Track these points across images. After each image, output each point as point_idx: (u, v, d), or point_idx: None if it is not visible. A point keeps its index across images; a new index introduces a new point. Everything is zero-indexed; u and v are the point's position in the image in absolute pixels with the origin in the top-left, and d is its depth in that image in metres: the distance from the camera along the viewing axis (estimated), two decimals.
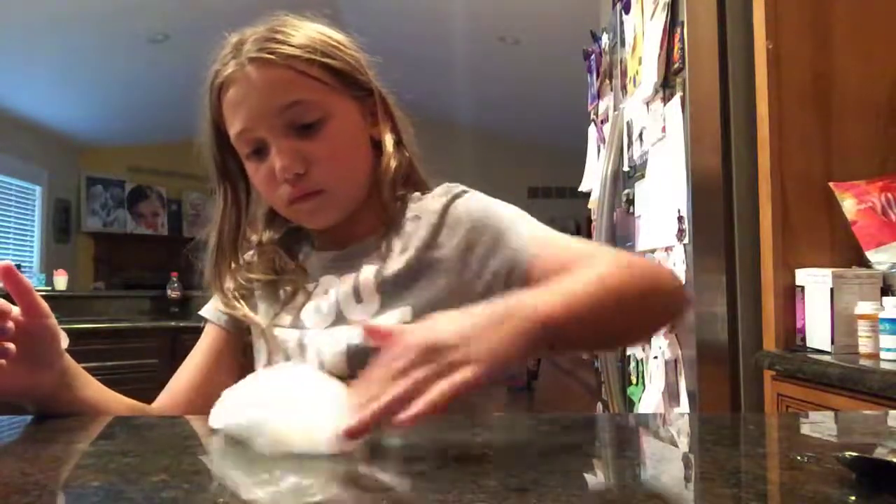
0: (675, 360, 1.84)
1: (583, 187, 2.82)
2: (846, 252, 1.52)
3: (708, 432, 0.71)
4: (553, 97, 5.61)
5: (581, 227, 8.15)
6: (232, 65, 0.88)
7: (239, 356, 1.00)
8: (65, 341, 0.77)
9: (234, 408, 0.61)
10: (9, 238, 6.10)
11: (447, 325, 0.60)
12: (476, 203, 0.91)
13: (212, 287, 0.97)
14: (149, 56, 5.36)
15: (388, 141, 0.94)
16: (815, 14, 1.60)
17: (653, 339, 0.80)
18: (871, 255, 1.46)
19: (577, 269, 0.74)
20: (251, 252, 0.99)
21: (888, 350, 1.27)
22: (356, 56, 0.93)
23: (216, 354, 0.99)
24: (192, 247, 1.01)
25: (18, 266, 4.35)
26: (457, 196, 0.91)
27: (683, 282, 0.79)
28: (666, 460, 0.60)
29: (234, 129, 0.89)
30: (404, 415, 0.53)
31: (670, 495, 0.47)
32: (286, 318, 0.93)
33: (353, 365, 0.84)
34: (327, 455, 0.54)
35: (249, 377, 0.67)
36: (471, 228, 0.88)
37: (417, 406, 0.54)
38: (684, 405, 1.78)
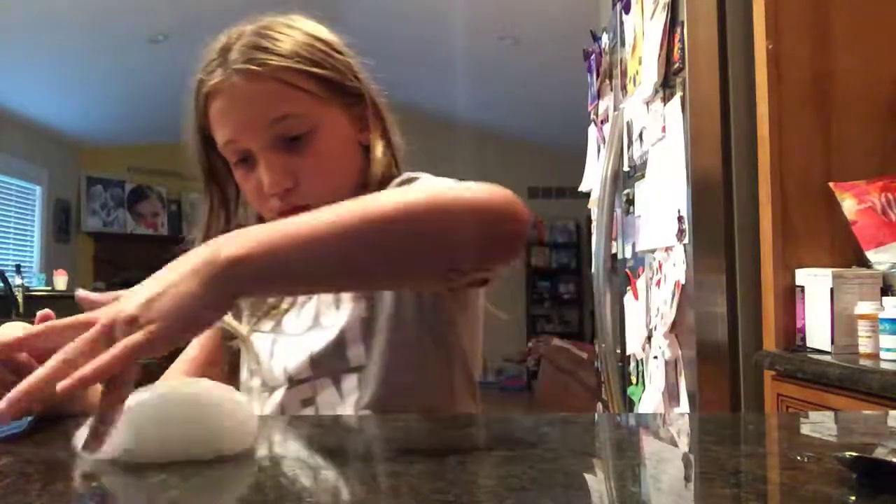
0: (675, 360, 1.84)
1: (583, 187, 2.82)
2: (846, 252, 1.52)
3: (708, 432, 0.71)
4: (553, 97, 5.61)
5: (581, 227, 8.16)
6: (218, 73, 0.86)
7: (230, 355, 1.00)
8: None
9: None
10: (9, 238, 6.09)
11: (136, 292, 0.57)
12: (408, 179, 0.87)
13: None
14: (149, 56, 5.36)
15: (378, 147, 0.92)
16: (815, 14, 1.60)
17: (470, 275, 0.61)
18: (871, 255, 1.46)
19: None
20: None
21: (888, 350, 1.27)
22: (346, 61, 0.91)
23: (209, 351, 0.99)
24: (179, 251, 1.00)
25: (18, 266, 4.36)
26: (408, 179, 0.88)
27: (520, 205, 0.68)
28: (666, 460, 0.60)
29: (220, 138, 0.88)
30: (64, 382, 0.52)
31: (670, 495, 0.47)
32: (268, 324, 0.93)
33: (318, 371, 0.85)
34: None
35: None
36: None
37: (82, 371, 0.52)
38: (684, 405, 1.78)
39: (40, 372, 0.54)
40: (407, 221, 0.62)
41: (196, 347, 0.99)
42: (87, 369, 0.52)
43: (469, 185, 0.67)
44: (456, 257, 0.64)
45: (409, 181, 0.87)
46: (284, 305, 0.93)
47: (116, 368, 0.53)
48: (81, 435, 0.54)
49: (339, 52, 0.91)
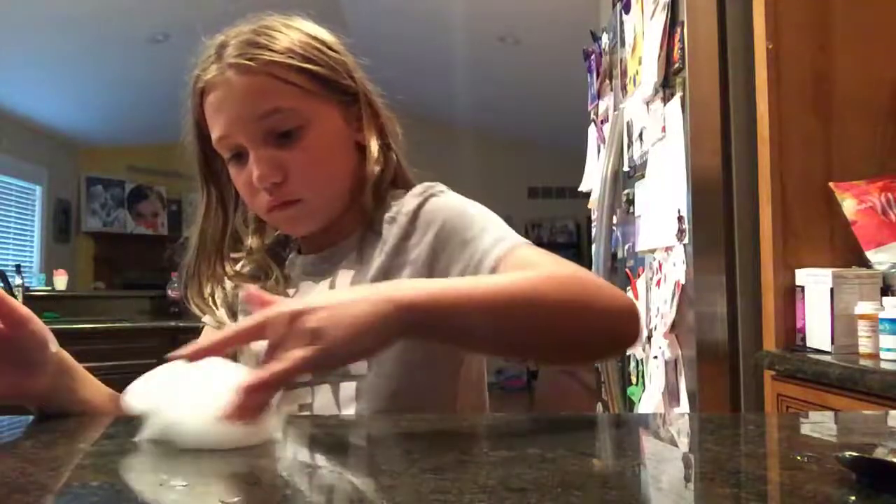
0: (675, 360, 1.84)
1: (583, 187, 2.82)
2: (846, 252, 1.52)
3: (708, 432, 0.71)
4: (553, 97, 5.61)
5: (581, 227, 8.16)
6: (213, 69, 0.87)
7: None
8: (53, 345, 0.76)
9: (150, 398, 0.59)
10: (9, 238, 6.09)
11: (317, 303, 0.61)
12: (447, 203, 0.89)
13: (188, 289, 0.95)
14: (149, 56, 5.36)
15: (374, 146, 0.92)
16: (815, 14, 1.60)
17: (594, 362, 0.76)
18: (871, 255, 1.46)
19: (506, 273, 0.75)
20: (242, 262, 0.97)
21: (888, 350, 1.27)
22: (342, 59, 0.91)
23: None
24: (178, 247, 0.99)
25: (18, 266, 4.36)
26: (430, 196, 0.89)
27: (638, 313, 0.76)
28: (666, 460, 0.60)
29: (214, 133, 0.88)
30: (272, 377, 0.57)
31: (670, 495, 0.47)
32: None
33: (317, 377, 0.85)
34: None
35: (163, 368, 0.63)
36: (440, 229, 0.86)
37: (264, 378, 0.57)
38: (684, 405, 1.78)
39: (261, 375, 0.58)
40: (558, 311, 0.70)
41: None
42: (267, 377, 0.57)
43: (602, 284, 0.76)
44: (587, 350, 0.75)
45: (431, 196, 0.88)
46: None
47: (292, 378, 0.58)
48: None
49: (334, 51, 0.91)
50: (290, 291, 0.93)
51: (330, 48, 0.90)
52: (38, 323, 0.74)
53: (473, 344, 0.72)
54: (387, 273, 0.86)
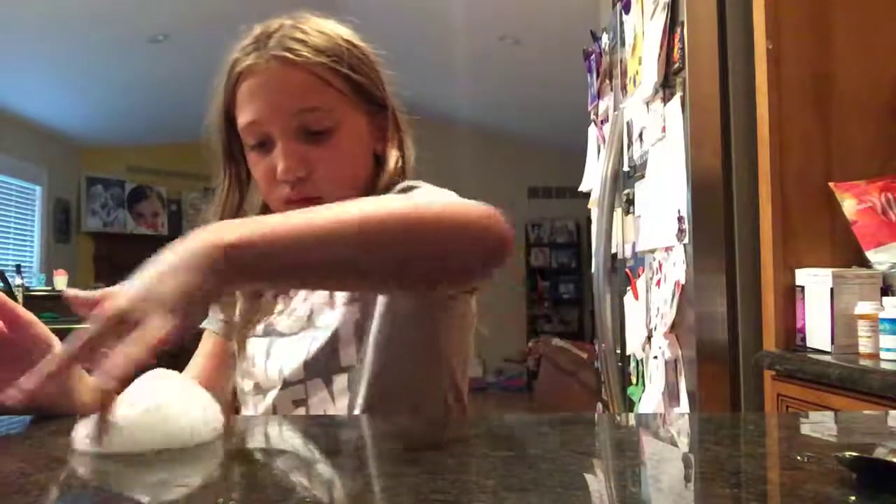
0: (675, 360, 1.84)
1: (583, 187, 2.82)
2: (846, 252, 1.52)
3: (708, 432, 0.71)
4: (553, 97, 5.61)
5: (581, 227, 8.16)
6: (254, 56, 0.87)
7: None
8: (57, 348, 0.76)
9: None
10: (9, 238, 6.09)
11: (134, 284, 0.58)
12: (407, 187, 0.89)
13: None
14: (149, 56, 5.36)
15: (393, 159, 0.94)
16: (815, 14, 1.60)
17: (462, 285, 0.68)
18: (871, 255, 1.46)
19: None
20: None
21: (888, 350, 1.27)
22: (377, 70, 0.93)
23: (215, 360, 0.99)
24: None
25: (18, 266, 4.36)
26: (408, 188, 0.89)
27: (509, 231, 0.72)
28: (666, 460, 0.60)
29: (244, 118, 0.89)
30: (105, 377, 0.53)
31: (670, 495, 0.47)
32: (260, 327, 0.94)
33: (310, 373, 0.86)
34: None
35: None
36: None
37: (113, 366, 0.53)
38: (684, 405, 1.78)
39: (56, 359, 0.55)
40: (405, 229, 0.65)
41: (200, 360, 0.99)
42: (118, 364, 0.53)
43: (460, 201, 0.71)
44: (447, 267, 0.68)
45: (408, 189, 0.88)
46: (278, 307, 0.93)
47: (142, 363, 0.53)
48: (82, 431, 0.54)
49: (372, 61, 0.93)
50: (292, 293, 0.94)
51: (368, 57, 0.93)
52: (41, 326, 0.74)
53: (316, 277, 0.67)
54: None
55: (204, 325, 1.01)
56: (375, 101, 0.93)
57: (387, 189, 0.93)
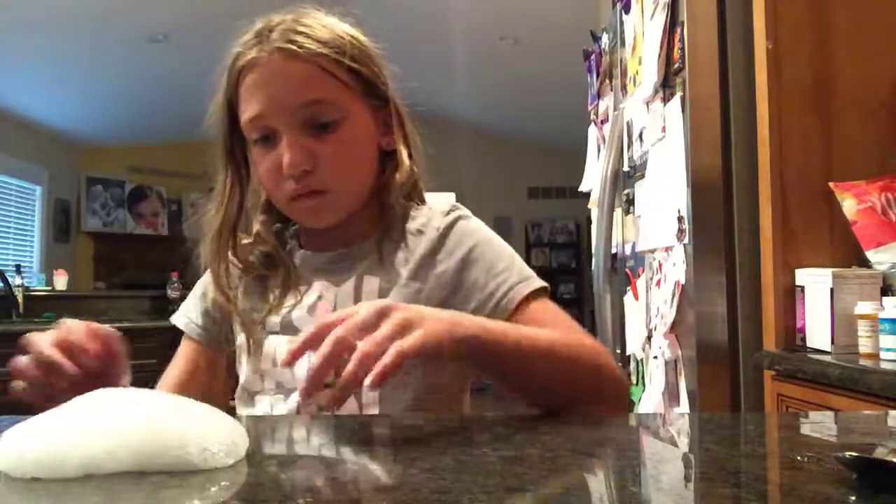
0: (675, 360, 1.84)
1: (583, 187, 2.82)
2: (846, 252, 1.52)
3: (708, 432, 0.71)
4: (553, 97, 5.61)
5: (581, 227, 8.16)
6: (256, 50, 0.87)
7: (221, 373, 0.98)
8: (128, 377, 0.77)
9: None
10: (9, 238, 6.09)
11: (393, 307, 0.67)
12: (476, 229, 0.93)
13: (212, 269, 0.94)
14: (149, 56, 5.36)
15: (404, 153, 0.94)
16: (815, 14, 1.60)
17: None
18: (871, 255, 1.46)
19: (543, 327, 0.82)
20: (247, 241, 0.96)
21: (888, 350, 1.27)
22: (380, 65, 0.93)
23: (192, 369, 0.97)
24: (192, 235, 0.98)
25: (18, 266, 4.36)
26: (459, 218, 0.93)
27: (626, 383, 0.89)
28: (666, 460, 0.60)
29: (247, 113, 0.88)
30: (369, 378, 0.60)
31: (670, 495, 0.47)
32: (274, 321, 0.91)
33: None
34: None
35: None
36: (469, 252, 0.89)
37: (379, 367, 0.60)
38: (684, 405, 1.78)
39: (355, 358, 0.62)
40: (572, 369, 0.78)
41: (175, 371, 0.97)
42: (380, 367, 0.61)
43: (604, 352, 0.85)
44: (578, 402, 0.78)
45: (461, 217, 0.93)
46: (290, 301, 0.91)
47: (399, 365, 0.62)
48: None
49: (374, 56, 0.93)
50: (302, 288, 0.92)
51: (370, 51, 0.92)
52: (123, 354, 0.77)
53: (506, 380, 0.76)
54: (417, 285, 0.88)
55: (181, 326, 0.99)
56: (379, 95, 0.92)
57: (402, 186, 0.93)
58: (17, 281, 4.03)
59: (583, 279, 8.18)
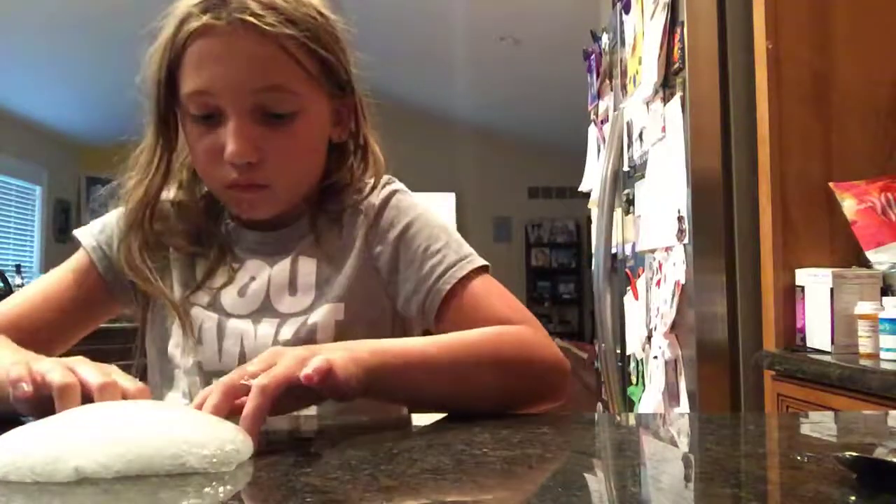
0: (675, 360, 1.84)
1: (583, 187, 2.83)
2: (846, 252, 1.52)
3: (708, 432, 0.71)
4: (553, 97, 5.61)
5: (581, 227, 8.16)
6: (211, 15, 0.76)
7: (100, 313, 0.91)
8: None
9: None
10: (9, 238, 6.10)
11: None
12: (411, 205, 0.89)
13: (123, 245, 0.86)
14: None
15: (351, 147, 0.90)
16: (815, 14, 1.60)
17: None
18: (871, 255, 1.46)
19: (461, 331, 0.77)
20: (173, 223, 0.88)
21: (888, 350, 1.27)
22: (345, 49, 0.85)
23: (83, 304, 0.89)
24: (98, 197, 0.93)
25: (18, 266, 4.36)
26: (394, 192, 0.89)
27: (568, 371, 0.81)
28: (666, 460, 0.60)
29: (191, 85, 0.78)
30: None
31: (670, 495, 0.47)
32: (203, 297, 0.85)
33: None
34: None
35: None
36: (405, 229, 0.87)
37: (274, 377, 0.57)
38: (684, 405, 1.78)
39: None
40: (498, 371, 0.73)
41: (64, 292, 0.90)
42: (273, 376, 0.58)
43: (539, 343, 0.79)
44: (515, 405, 0.74)
45: (394, 193, 0.88)
46: (220, 279, 0.86)
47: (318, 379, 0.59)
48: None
49: (342, 39, 0.85)
50: (235, 266, 0.87)
51: (339, 35, 0.85)
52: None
53: (423, 400, 0.72)
54: (353, 267, 0.86)
55: (85, 244, 0.91)
56: (339, 83, 0.85)
57: (345, 180, 0.89)
58: (17, 281, 4.04)
59: (583, 279, 8.18)
